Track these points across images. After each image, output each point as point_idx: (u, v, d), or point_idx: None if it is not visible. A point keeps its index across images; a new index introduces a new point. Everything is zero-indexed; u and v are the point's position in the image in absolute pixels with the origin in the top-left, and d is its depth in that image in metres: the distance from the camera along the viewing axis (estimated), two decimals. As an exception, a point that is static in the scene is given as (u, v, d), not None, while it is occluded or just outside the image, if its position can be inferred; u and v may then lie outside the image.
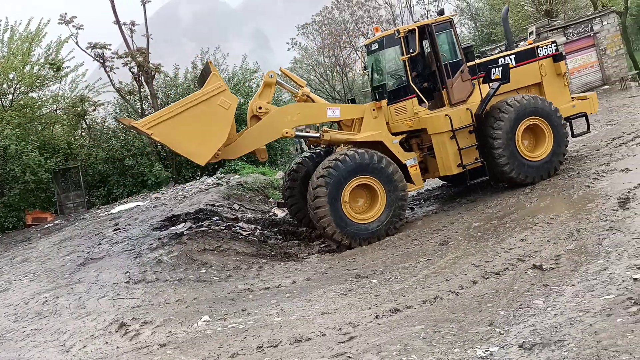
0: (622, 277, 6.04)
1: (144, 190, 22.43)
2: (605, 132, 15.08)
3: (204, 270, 9.74)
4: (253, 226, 12.85)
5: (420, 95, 11.46)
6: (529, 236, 8.48)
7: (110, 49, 23.95)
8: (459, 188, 13.48)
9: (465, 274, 7.51)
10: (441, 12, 12.85)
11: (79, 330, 7.79)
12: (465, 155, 11.28)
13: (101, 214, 18.32)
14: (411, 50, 11.24)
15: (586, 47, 27.56)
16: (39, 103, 24.45)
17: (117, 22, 23.74)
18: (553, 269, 6.95)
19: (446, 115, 11.17)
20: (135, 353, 6.75)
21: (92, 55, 23.65)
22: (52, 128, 25.14)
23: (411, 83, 11.38)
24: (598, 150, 13.12)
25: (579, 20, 28.49)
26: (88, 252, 12.16)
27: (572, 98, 12.93)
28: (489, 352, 5.11)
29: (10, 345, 7.73)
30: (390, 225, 10.74)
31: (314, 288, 8.33)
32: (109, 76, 24.29)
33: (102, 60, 23.70)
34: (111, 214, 17.67)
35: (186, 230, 12.10)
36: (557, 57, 12.47)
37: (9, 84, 23.18)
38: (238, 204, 15.45)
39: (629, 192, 9.08)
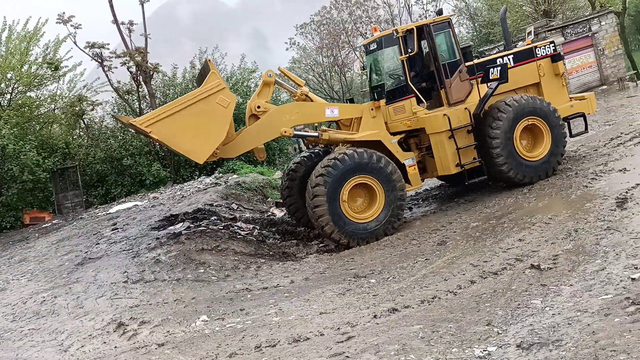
0: (620, 277, 6.05)
1: (142, 190, 22.41)
2: (603, 132, 15.11)
3: (202, 270, 9.74)
4: (251, 226, 12.84)
5: (419, 95, 11.47)
6: (527, 236, 8.49)
7: (108, 49, 23.94)
8: (457, 188, 13.49)
9: (464, 274, 7.52)
10: (439, 12, 12.86)
11: (77, 330, 7.78)
12: (464, 155, 11.29)
13: (99, 214, 18.30)
14: (409, 50, 11.25)
15: (584, 48, 27.60)
16: (37, 102, 24.42)
17: (115, 21, 23.72)
18: (551, 268, 6.96)
19: (444, 115, 11.18)
20: (133, 353, 6.74)
21: (90, 54, 23.62)
22: (50, 127, 25.11)
23: (409, 83, 11.38)
24: (596, 150, 13.14)
25: (577, 21, 28.53)
26: (86, 252, 12.15)
27: (570, 98, 12.95)
28: (487, 352, 5.11)
29: (8, 345, 7.72)
30: (389, 225, 10.75)
31: (313, 288, 8.33)
32: (107, 76, 24.26)
33: (100, 60, 23.67)
34: (109, 213, 17.65)
35: (184, 230, 12.09)
36: (555, 57, 12.49)
37: (7, 83, 23.16)
38: (236, 204, 15.45)
39: (626, 192, 9.09)
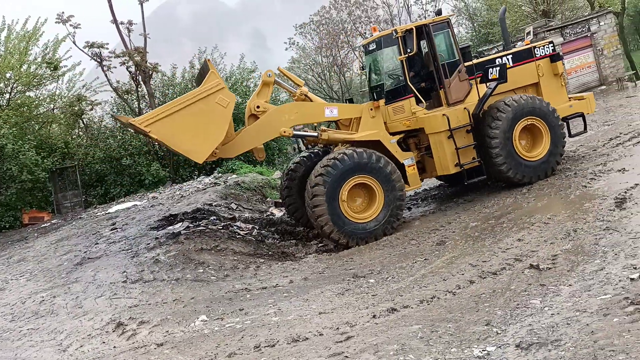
0: (619, 277, 6.05)
1: (141, 190, 22.41)
2: (602, 133, 15.11)
3: (202, 270, 9.73)
4: (250, 226, 12.84)
5: (418, 95, 11.47)
6: (526, 236, 8.49)
7: (107, 48, 23.95)
8: (456, 188, 13.50)
9: (463, 274, 7.52)
10: (439, 12, 12.87)
11: (76, 329, 7.77)
12: (463, 155, 11.30)
13: (98, 214, 18.29)
14: (409, 50, 11.25)
15: (583, 48, 27.61)
16: (36, 102, 24.42)
17: (115, 21, 23.72)
18: (550, 268, 6.96)
19: (444, 115, 11.18)
20: (132, 353, 6.74)
21: (90, 54, 23.63)
22: (49, 127, 25.10)
23: (409, 83, 11.38)
24: (595, 150, 13.15)
25: (576, 21, 28.54)
26: (85, 252, 12.14)
27: (569, 98, 12.96)
28: (486, 352, 5.11)
29: (7, 344, 7.71)
30: (388, 224, 10.75)
31: (312, 288, 8.33)
32: (106, 75, 24.26)
33: (99, 60, 23.67)
34: (108, 213, 17.64)
35: (183, 229, 12.09)
36: (554, 58, 12.49)
37: (6, 83, 23.15)
38: (235, 204, 15.45)
39: (625, 192, 9.10)
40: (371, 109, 11.56)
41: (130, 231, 13.32)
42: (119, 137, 24.12)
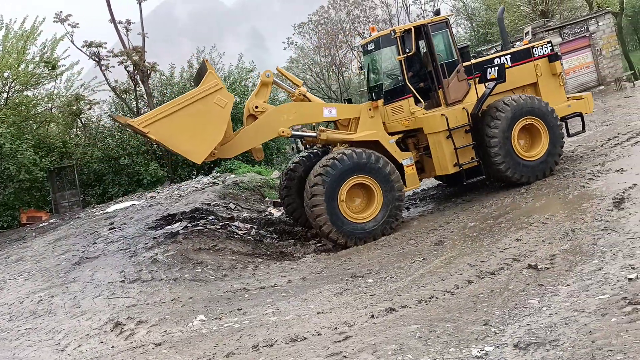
0: (617, 277, 6.06)
1: (139, 189, 22.40)
2: (600, 133, 15.13)
3: (200, 270, 9.73)
4: (249, 225, 12.84)
5: (417, 95, 11.47)
6: (524, 236, 8.50)
7: (105, 48, 23.94)
8: (454, 188, 13.51)
9: (461, 274, 7.52)
10: (437, 12, 12.85)
11: (74, 329, 7.77)
12: (462, 155, 11.30)
13: (96, 213, 18.28)
14: (407, 50, 11.25)
15: (582, 48, 27.63)
16: (34, 101, 24.39)
17: (113, 20, 23.71)
18: (548, 268, 6.97)
19: (442, 114, 11.18)
20: (130, 352, 6.74)
21: (88, 53, 23.61)
22: (47, 127, 25.08)
23: (407, 83, 11.38)
24: (593, 150, 13.16)
25: (574, 21, 28.57)
26: (83, 251, 12.13)
27: (568, 98, 12.97)
28: (484, 352, 5.12)
29: (5, 344, 7.70)
30: (387, 225, 10.75)
31: (310, 287, 8.33)
32: (104, 75, 24.26)
33: (97, 59, 23.65)
34: (106, 213, 17.63)
35: (182, 229, 12.08)
36: (553, 57, 12.50)
37: (4, 82, 23.12)
38: (234, 203, 15.44)
39: (623, 192, 9.11)
40: (370, 109, 11.56)
41: (129, 231, 13.31)
42: (117, 137, 24.12)
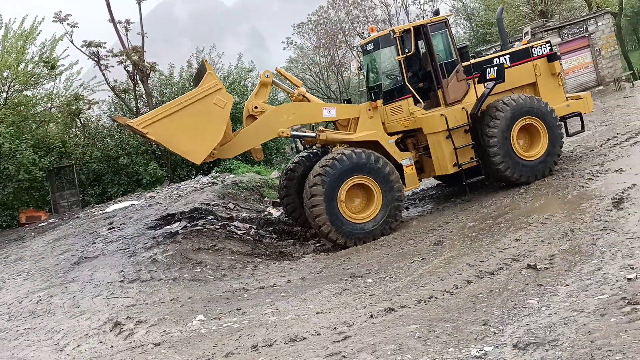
0: (616, 277, 6.07)
1: (138, 189, 22.40)
2: (599, 133, 15.14)
3: (199, 270, 9.72)
4: (248, 225, 12.84)
5: (416, 95, 11.47)
6: (524, 236, 8.50)
7: (105, 47, 23.94)
8: (453, 188, 13.51)
9: (460, 274, 7.52)
10: (436, 13, 12.86)
11: (73, 329, 7.76)
12: (461, 155, 11.31)
13: (96, 213, 18.27)
14: (407, 50, 11.25)
15: (581, 48, 27.64)
16: (33, 101, 24.38)
17: (112, 20, 23.71)
18: (547, 268, 6.97)
19: (442, 115, 11.19)
20: (129, 352, 6.73)
21: (87, 53, 23.62)
22: (46, 126, 25.08)
23: (407, 83, 11.38)
24: (592, 150, 13.17)
25: (573, 21, 28.58)
26: (82, 251, 12.12)
27: (567, 98, 12.98)
28: (483, 352, 5.12)
29: (4, 344, 7.69)
30: (386, 225, 10.75)
31: (309, 287, 8.33)
32: (103, 74, 24.26)
33: (97, 59, 23.66)
34: (106, 212, 17.62)
35: (181, 229, 12.08)
36: (552, 57, 12.52)
37: (3, 82, 23.11)
38: (233, 203, 15.44)
39: (622, 193, 9.12)
40: (369, 109, 11.56)
41: (128, 230, 13.31)
42: (116, 137, 24.12)
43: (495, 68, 11.40)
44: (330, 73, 41.70)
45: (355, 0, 39.33)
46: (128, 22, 23.96)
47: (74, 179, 22.78)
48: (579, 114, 12.64)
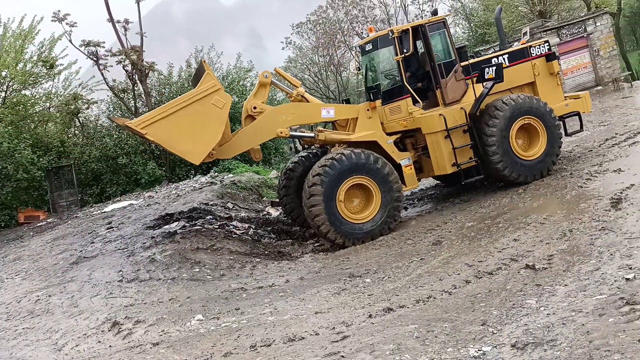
0: (614, 277, 6.07)
1: (137, 189, 22.39)
2: (598, 133, 15.16)
3: (198, 269, 9.72)
4: (247, 225, 12.84)
5: (415, 95, 11.48)
6: (522, 236, 8.51)
7: (104, 47, 23.93)
8: (452, 188, 13.52)
9: (459, 274, 7.53)
10: (434, 13, 12.87)
11: (72, 329, 7.76)
12: (460, 155, 11.31)
13: (94, 213, 18.26)
14: (405, 51, 11.25)
15: (579, 48, 27.68)
16: (32, 101, 24.37)
17: (111, 20, 23.71)
18: (546, 268, 6.98)
19: (440, 114, 11.19)
20: (128, 352, 6.73)
21: (86, 53, 23.61)
22: (45, 126, 25.06)
23: (405, 83, 11.38)
24: (591, 150, 13.18)
25: (572, 21, 28.61)
26: (81, 251, 12.12)
27: (565, 97, 12.99)
28: (481, 352, 5.12)
29: (2, 344, 7.69)
30: (385, 225, 10.75)
31: (308, 287, 8.33)
32: (102, 74, 24.26)
33: (95, 58, 23.65)
34: (104, 212, 17.62)
35: (180, 229, 12.08)
36: (550, 57, 12.52)
37: (2, 81, 23.11)
38: (232, 203, 15.44)
39: (621, 193, 9.13)
40: (368, 110, 11.56)
41: (126, 230, 13.31)
42: (115, 136, 24.11)
43: (494, 68, 11.41)
44: (329, 73, 41.72)
45: (354, 0, 39.34)
46: (127, 21, 23.96)
47: (72, 178, 22.77)
48: (578, 114, 12.66)
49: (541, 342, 5.03)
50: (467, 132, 11.43)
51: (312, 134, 11.67)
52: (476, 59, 12.32)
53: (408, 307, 6.68)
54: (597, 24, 27.58)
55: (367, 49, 12.21)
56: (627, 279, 5.89)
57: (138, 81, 24.12)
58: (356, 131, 11.51)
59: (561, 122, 12.31)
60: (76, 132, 26.43)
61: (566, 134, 12.75)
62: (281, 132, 11.11)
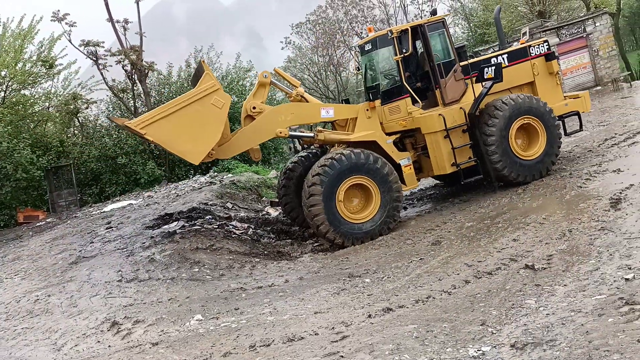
0: (614, 277, 6.07)
1: (136, 189, 22.38)
2: (597, 133, 15.16)
3: (197, 269, 9.72)
4: (246, 225, 12.84)
5: (414, 95, 11.48)
6: (522, 236, 8.51)
7: (103, 47, 23.91)
8: (452, 188, 13.52)
9: (458, 274, 7.53)
10: (434, 12, 12.87)
11: (71, 329, 7.75)
12: (459, 155, 11.31)
13: (93, 212, 18.25)
14: (404, 51, 11.25)
15: (579, 48, 27.70)
16: (32, 100, 24.34)
17: (111, 19, 23.70)
18: (545, 268, 6.98)
19: (440, 114, 11.19)
20: (127, 352, 6.73)
21: (85, 52, 23.59)
22: (44, 126, 25.05)
23: (405, 83, 11.39)
24: (590, 150, 13.18)
25: (572, 22, 28.63)
26: (80, 251, 12.11)
27: (565, 97, 12.99)
28: (481, 352, 5.12)
29: (2, 343, 7.69)
30: (384, 225, 10.75)
31: (307, 287, 8.32)
32: (102, 74, 24.24)
33: (95, 58, 23.64)
34: (104, 212, 17.61)
35: (179, 228, 12.07)
36: (549, 56, 12.53)
37: (1, 81, 23.08)
38: (231, 203, 15.43)
39: (620, 193, 9.13)
40: (367, 110, 11.56)
41: (126, 230, 13.30)
42: (114, 136, 24.09)
43: (493, 67, 11.41)
44: (329, 73, 41.72)
45: (353, 0, 39.34)
46: (126, 21, 23.95)
47: (71, 178, 22.75)
48: (577, 113, 12.66)
49: (540, 342, 5.03)
50: (467, 132, 11.43)
51: (312, 134, 11.67)
52: (475, 59, 12.32)
53: (407, 307, 6.68)
54: (596, 24, 27.60)
55: (366, 49, 12.21)
56: (627, 279, 5.89)
57: (137, 81, 24.12)
58: (355, 131, 11.51)
59: (560, 122, 12.32)
60: (75, 131, 26.42)
61: (565, 134, 12.75)
62: (280, 132, 11.10)
